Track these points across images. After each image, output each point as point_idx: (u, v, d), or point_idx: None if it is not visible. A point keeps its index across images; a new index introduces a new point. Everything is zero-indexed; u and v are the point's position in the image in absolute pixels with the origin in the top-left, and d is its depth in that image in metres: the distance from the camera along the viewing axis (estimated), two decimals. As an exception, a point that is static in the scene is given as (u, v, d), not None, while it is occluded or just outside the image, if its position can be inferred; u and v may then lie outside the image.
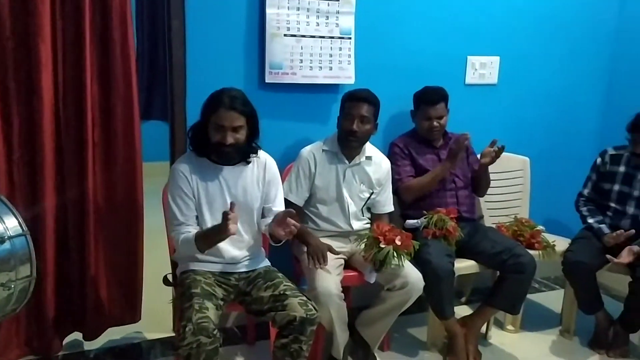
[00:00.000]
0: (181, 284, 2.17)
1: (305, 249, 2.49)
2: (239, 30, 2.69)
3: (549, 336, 2.99)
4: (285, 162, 2.81)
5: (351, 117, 2.53)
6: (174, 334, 2.78)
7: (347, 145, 2.60)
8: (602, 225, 2.80)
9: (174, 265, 2.41)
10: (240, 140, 2.14)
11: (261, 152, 2.33)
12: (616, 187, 2.83)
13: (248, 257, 2.31)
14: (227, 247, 2.23)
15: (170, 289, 2.68)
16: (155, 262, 2.72)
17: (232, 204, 2.01)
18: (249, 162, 2.27)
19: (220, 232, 2.00)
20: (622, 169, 2.82)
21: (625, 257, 2.64)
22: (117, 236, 2.56)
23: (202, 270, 2.20)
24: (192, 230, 2.16)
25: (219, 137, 2.12)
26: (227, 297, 2.21)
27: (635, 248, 2.66)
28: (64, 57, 2.32)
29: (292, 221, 2.07)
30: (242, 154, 2.21)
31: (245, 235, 2.29)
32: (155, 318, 2.90)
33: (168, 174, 2.31)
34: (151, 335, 2.81)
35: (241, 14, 2.68)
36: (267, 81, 2.73)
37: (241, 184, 2.25)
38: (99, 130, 2.45)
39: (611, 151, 2.88)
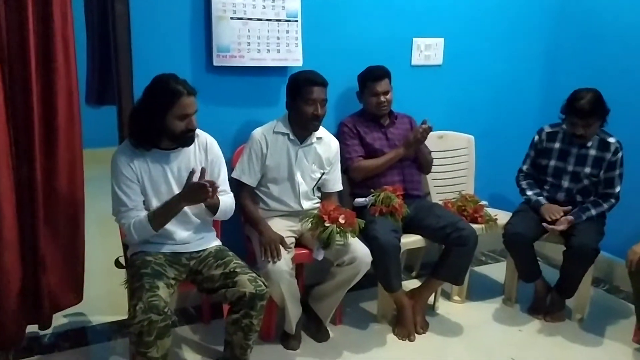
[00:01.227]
0: (132, 265, 2.20)
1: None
2: (185, 13, 2.69)
3: (492, 305, 3.14)
4: (236, 144, 2.86)
5: (313, 102, 2.58)
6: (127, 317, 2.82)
7: (309, 128, 2.65)
8: (540, 198, 2.96)
9: (126, 248, 2.43)
10: (196, 124, 2.21)
11: (202, 133, 2.36)
12: (552, 163, 2.98)
13: (198, 238, 2.35)
14: (176, 229, 2.27)
15: (124, 272, 2.71)
16: (111, 248, 2.74)
17: (198, 170, 2.08)
18: (190, 145, 2.29)
19: (185, 200, 2.10)
20: (557, 145, 2.97)
21: (561, 224, 2.82)
22: (60, 221, 2.54)
23: (152, 251, 2.24)
24: (142, 214, 2.19)
25: (186, 125, 2.15)
26: (179, 277, 2.25)
27: (569, 217, 2.82)
28: (8, 43, 2.27)
29: (204, 182, 2.09)
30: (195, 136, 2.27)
31: (193, 217, 2.33)
32: (111, 301, 2.93)
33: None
34: (107, 318, 2.83)
35: (186, -3, 2.69)
36: (215, 64, 2.75)
37: (184, 167, 2.27)
38: (41, 118, 2.40)
39: (547, 129, 3.03)
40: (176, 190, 2.23)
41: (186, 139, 2.21)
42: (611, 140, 2.87)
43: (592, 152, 2.88)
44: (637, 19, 3.18)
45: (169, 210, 2.16)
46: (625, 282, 3.12)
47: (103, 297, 3.00)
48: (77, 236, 2.61)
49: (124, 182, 2.18)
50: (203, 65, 2.76)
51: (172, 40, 2.69)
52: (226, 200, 2.34)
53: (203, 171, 2.12)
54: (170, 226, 2.23)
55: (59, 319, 2.73)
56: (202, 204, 2.25)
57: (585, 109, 2.74)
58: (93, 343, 2.65)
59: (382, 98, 2.89)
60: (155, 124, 2.14)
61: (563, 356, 2.68)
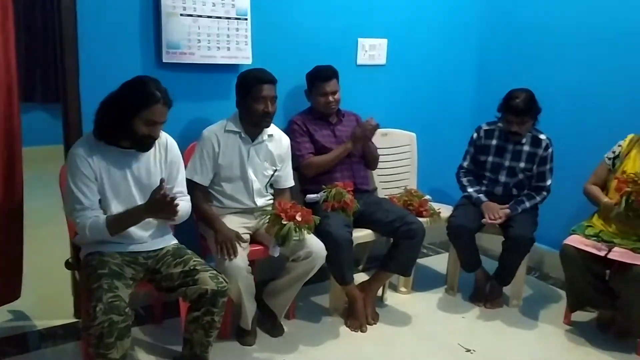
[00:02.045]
0: (87, 265, 2.14)
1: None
2: (134, 9, 2.65)
3: (436, 294, 3.29)
4: (186, 141, 2.82)
5: (264, 100, 2.59)
6: (76, 320, 2.73)
7: (260, 125, 2.67)
8: (480, 195, 3.13)
9: (76, 248, 2.36)
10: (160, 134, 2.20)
11: (162, 133, 2.33)
12: (490, 159, 3.16)
13: (155, 237, 2.32)
14: (133, 228, 2.22)
15: (69, 274, 2.63)
16: (53, 250, 2.65)
17: (162, 180, 2.07)
18: (146, 151, 2.27)
19: (150, 213, 2.08)
20: (494, 142, 3.15)
21: (498, 218, 2.99)
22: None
23: (109, 251, 2.18)
24: (99, 214, 2.14)
25: (149, 131, 2.12)
26: (136, 276, 2.21)
27: (506, 210, 3.01)
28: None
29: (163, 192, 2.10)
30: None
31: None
32: (54, 304, 2.82)
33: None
34: (50, 323, 2.73)
35: (135, -8, 2.64)
36: (164, 61, 2.71)
37: (144, 166, 2.25)
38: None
39: (485, 127, 3.21)
40: (135, 190, 2.20)
41: (144, 144, 2.18)
42: (542, 137, 3.08)
43: (526, 148, 3.08)
44: (562, 21, 3.42)
45: (131, 219, 2.14)
46: (554, 270, 3.38)
47: (47, 300, 2.89)
48: (16, 235, 2.51)
49: (81, 179, 2.12)
50: (152, 62, 2.72)
51: (121, 36, 2.63)
52: (184, 205, 2.32)
53: (162, 182, 2.09)
54: None
55: (3, 324, 2.60)
56: None
57: (520, 108, 2.93)
58: (41, 348, 2.56)
59: (331, 98, 2.95)
60: (121, 121, 2.10)
61: (503, 339, 2.85)
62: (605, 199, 2.75)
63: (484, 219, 3.02)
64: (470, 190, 3.17)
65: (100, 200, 2.18)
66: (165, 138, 2.34)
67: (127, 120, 2.10)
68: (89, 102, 2.46)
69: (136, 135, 2.13)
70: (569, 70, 3.42)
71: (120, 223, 2.11)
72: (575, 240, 2.76)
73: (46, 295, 2.93)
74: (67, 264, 2.40)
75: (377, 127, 2.91)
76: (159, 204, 2.05)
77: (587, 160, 3.03)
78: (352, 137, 2.96)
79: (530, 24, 3.61)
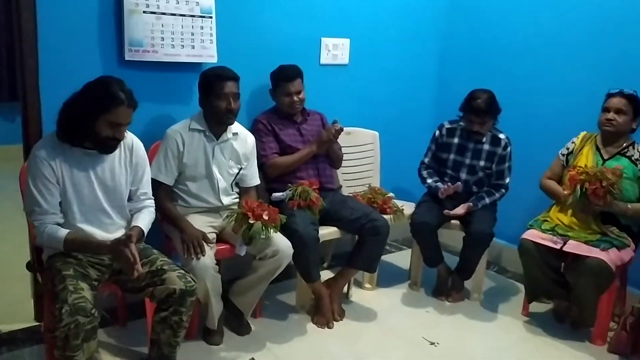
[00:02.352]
0: (51, 267, 2.10)
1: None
2: (95, 6, 2.60)
3: (400, 290, 3.36)
4: (150, 140, 2.78)
5: (226, 97, 2.59)
6: (37, 323, 2.67)
7: (224, 123, 2.66)
8: (438, 183, 3.20)
9: (37, 250, 2.30)
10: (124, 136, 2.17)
11: (128, 133, 2.30)
12: (451, 157, 3.25)
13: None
14: (98, 231, 2.20)
15: (29, 277, 2.57)
16: (8, 252, 2.58)
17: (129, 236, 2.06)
18: (109, 153, 2.24)
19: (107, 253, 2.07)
20: (456, 140, 3.24)
21: (460, 209, 3.09)
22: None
23: (73, 253, 2.14)
24: (58, 219, 2.10)
25: (113, 134, 2.09)
26: (101, 277, 2.18)
27: (468, 204, 3.11)
28: None
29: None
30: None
31: (115, 218, 2.27)
32: (14, 308, 2.75)
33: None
34: (10, 327, 2.65)
35: (96, -12, 2.59)
36: (127, 59, 2.67)
37: (108, 167, 2.21)
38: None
39: (447, 125, 3.29)
40: (99, 192, 2.17)
41: (107, 146, 2.15)
42: (501, 136, 3.19)
43: (486, 147, 3.18)
44: (520, 24, 3.54)
45: (89, 248, 2.11)
46: (512, 264, 3.49)
47: (6, 303, 2.81)
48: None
49: (41, 181, 2.07)
50: (114, 60, 2.68)
51: (82, 34, 2.58)
52: (147, 218, 2.32)
53: (129, 238, 2.06)
54: (92, 228, 2.17)
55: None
56: (122, 204, 2.22)
57: (481, 108, 3.02)
58: (0, 352, 2.48)
59: (295, 98, 2.97)
60: (84, 122, 2.06)
61: (465, 331, 2.94)
62: (562, 191, 2.87)
63: (445, 211, 3.10)
64: (429, 181, 3.25)
65: (60, 203, 2.13)
66: (130, 139, 2.31)
67: (90, 122, 2.06)
68: (49, 102, 2.42)
69: (99, 137, 2.09)
70: (525, 71, 3.54)
71: (78, 247, 2.09)
72: (532, 235, 2.87)
73: (5, 299, 2.84)
74: (29, 266, 2.34)
75: (341, 130, 2.95)
76: (121, 258, 2.03)
77: (543, 157, 3.15)
78: (317, 141, 2.98)
79: (489, 25, 3.72)
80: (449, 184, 3.11)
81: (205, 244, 2.46)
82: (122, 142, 2.24)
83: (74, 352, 1.90)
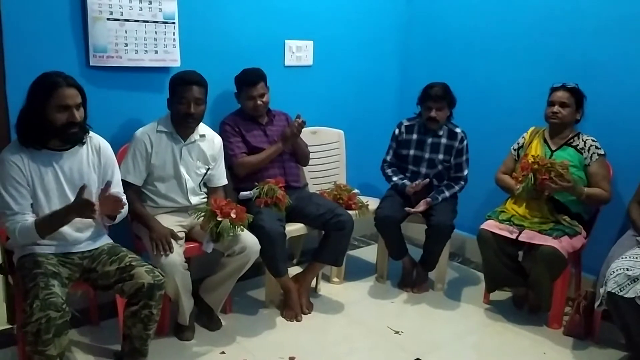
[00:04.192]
0: (21, 268, 2.15)
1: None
2: (60, 13, 2.65)
3: (367, 283, 3.47)
4: (117, 143, 2.84)
5: (186, 101, 2.66)
6: (9, 326, 2.69)
7: (185, 126, 2.73)
8: (405, 181, 3.33)
9: (8, 253, 2.35)
10: (82, 117, 2.19)
11: (94, 135, 2.37)
12: (411, 152, 3.37)
13: (90, 237, 2.35)
14: (68, 230, 2.26)
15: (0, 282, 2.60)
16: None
17: (83, 186, 2.08)
18: (83, 143, 2.30)
19: (74, 213, 2.09)
20: (414, 136, 3.38)
21: (420, 206, 3.22)
22: None
23: (43, 252, 2.20)
24: (30, 218, 2.15)
25: (67, 117, 2.13)
26: (72, 276, 2.24)
27: (427, 199, 3.23)
28: None
29: (114, 197, 2.18)
30: (83, 133, 2.25)
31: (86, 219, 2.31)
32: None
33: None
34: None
35: (60, -4, 2.65)
36: (91, 64, 2.73)
37: (76, 168, 2.27)
38: None
39: (405, 122, 3.43)
40: (69, 193, 2.22)
41: (70, 133, 2.18)
42: (457, 130, 3.33)
43: (443, 140, 3.32)
44: (474, 26, 3.69)
45: (57, 220, 2.15)
46: (475, 255, 3.62)
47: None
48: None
49: (11, 184, 2.12)
50: (79, 66, 2.73)
51: (47, 40, 2.63)
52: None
53: (108, 185, 2.15)
54: (64, 228, 2.22)
55: None
56: (99, 216, 2.27)
57: (439, 94, 3.20)
58: (-28, 356, 2.52)
59: (259, 101, 3.05)
60: (37, 119, 2.11)
61: (429, 320, 3.07)
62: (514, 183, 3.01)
63: (406, 208, 3.22)
64: (395, 179, 3.37)
65: (32, 205, 2.18)
66: (98, 140, 2.37)
67: (42, 115, 2.11)
68: (16, 108, 2.43)
69: (56, 126, 2.13)
70: (479, 71, 3.69)
71: (48, 224, 2.13)
72: (490, 225, 3.00)
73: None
74: (0, 269, 2.38)
75: (303, 124, 3.05)
76: (79, 204, 2.07)
77: (498, 152, 3.30)
78: (282, 137, 3.07)
79: (446, 27, 3.86)
80: (418, 181, 3.22)
81: (174, 241, 2.53)
82: (89, 144, 2.30)
83: (45, 347, 1.95)
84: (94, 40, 2.72)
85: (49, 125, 2.13)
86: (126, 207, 2.39)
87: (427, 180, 3.23)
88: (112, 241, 2.44)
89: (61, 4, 2.64)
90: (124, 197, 2.33)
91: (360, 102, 3.96)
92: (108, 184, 2.17)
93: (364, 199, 3.38)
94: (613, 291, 2.43)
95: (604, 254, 2.72)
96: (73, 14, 2.68)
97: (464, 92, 3.48)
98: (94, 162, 2.33)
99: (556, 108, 2.95)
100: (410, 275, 3.40)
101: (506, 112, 3.56)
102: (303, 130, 3.09)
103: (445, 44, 3.87)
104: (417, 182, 3.23)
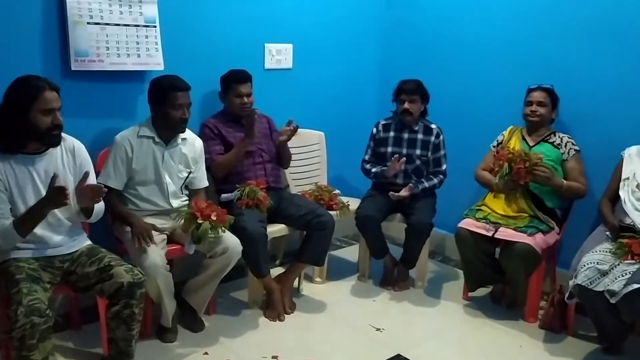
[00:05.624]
0: (3, 273, 2.16)
1: (128, 229, 2.61)
2: (38, 18, 2.66)
3: (349, 282, 3.52)
4: (98, 147, 2.86)
5: (180, 107, 2.69)
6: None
7: (177, 131, 2.76)
8: (383, 168, 3.38)
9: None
10: (62, 120, 2.21)
11: (68, 137, 2.37)
12: (389, 149, 3.44)
13: (70, 240, 2.36)
14: (47, 233, 2.27)
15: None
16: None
17: (54, 175, 2.09)
18: (57, 146, 2.30)
19: (49, 204, 2.09)
20: (391, 134, 3.45)
21: (403, 192, 3.28)
22: None
23: (24, 257, 2.21)
24: (7, 222, 2.15)
25: (51, 120, 2.14)
26: (54, 280, 2.25)
27: (410, 185, 3.30)
28: None
29: (90, 185, 2.19)
30: (61, 137, 2.27)
31: (63, 220, 2.33)
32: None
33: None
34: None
35: (37, 2, 2.65)
36: (73, 69, 2.74)
37: (52, 169, 2.27)
38: None
39: (382, 122, 3.51)
40: (44, 194, 2.22)
41: (53, 136, 2.20)
42: (433, 126, 3.43)
43: (420, 136, 3.40)
44: (454, 28, 3.76)
45: (34, 215, 2.15)
46: (455, 253, 3.67)
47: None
48: None
49: None
50: (61, 70, 2.74)
51: (26, 45, 2.64)
52: (99, 203, 2.37)
53: (86, 174, 2.16)
54: (42, 231, 2.24)
55: None
56: (75, 208, 2.28)
57: (411, 87, 3.31)
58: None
59: (246, 99, 3.10)
60: (19, 123, 2.12)
61: (410, 317, 3.13)
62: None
63: (390, 193, 3.29)
64: (373, 170, 3.44)
65: (11, 209, 2.19)
66: (72, 142, 2.38)
67: (25, 119, 2.12)
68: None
69: (40, 130, 2.15)
70: (459, 72, 3.76)
71: (26, 222, 2.13)
72: (467, 223, 3.08)
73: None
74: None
75: (296, 129, 3.11)
76: (52, 193, 2.08)
77: (477, 151, 3.38)
78: (246, 131, 3.02)
79: (425, 29, 3.93)
80: (396, 156, 3.28)
81: (155, 237, 2.55)
82: (63, 146, 2.32)
83: (30, 352, 1.97)
84: (74, 45, 2.73)
85: (31, 128, 2.15)
86: (102, 205, 2.41)
87: (404, 159, 3.29)
88: (91, 243, 2.45)
89: (40, 9, 2.65)
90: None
91: (340, 103, 4.01)
92: (86, 175, 2.18)
93: (344, 199, 3.43)
94: (583, 284, 2.51)
95: (578, 249, 2.82)
96: (52, 18, 2.69)
97: (443, 93, 3.57)
98: (69, 163, 2.34)
99: (534, 107, 3.06)
100: (392, 274, 3.46)
101: (484, 112, 3.64)
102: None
103: (424, 47, 3.94)
104: (394, 157, 3.27)
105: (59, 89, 2.21)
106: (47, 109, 2.14)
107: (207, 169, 3.03)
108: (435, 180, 3.40)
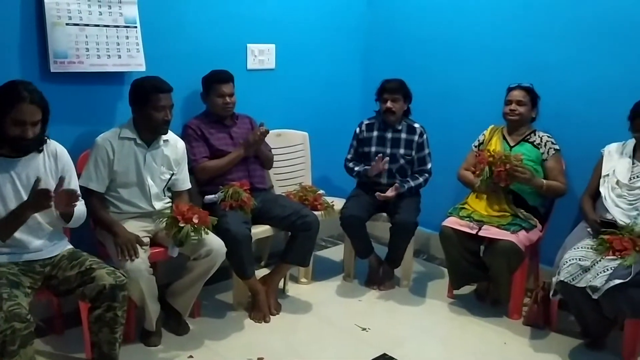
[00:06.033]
0: (-17, 278, 2.12)
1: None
2: (16, 20, 2.62)
3: (335, 282, 3.52)
4: (79, 149, 2.82)
5: (163, 109, 2.67)
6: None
7: (159, 132, 2.74)
8: (366, 167, 3.39)
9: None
10: (37, 133, 2.18)
11: (51, 141, 2.35)
12: (373, 149, 3.45)
13: (50, 245, 2.33)
14: (28, 237, 2.24)
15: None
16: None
17: (38, 179, 2.07)
18: (40, 151, 2.28)
19: (31, 207, 2.08)
20: (375, 133, 3.46)
21: (389, 192, 3.28)
22: None
23: (4, 261, 2.18)
24: None
25: (19, 132, 2.12)
26: (34, 285, 2.22)
27: (396, 185, 3.30)
28: None
29: (65, 189, 2.17)
30: (37, 145, 2.24)
31: (44, 224, 2.31)
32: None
33: None
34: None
35: (15, 3, 2.61)
36: (52, 71, 2.70)
37: (33, 175, 2.24)
38: None
39: (366, 121, 3.52)
40: (25, 198, 2.19)
41: (19, 147, 2.18)
42: (416, 125, 3.44)
43: (403, 135, 3.41)
44: (436, 28, 3.78)
45: (15, 219, 2.13)
46: (440, 251, 3.69)
47: None
48: None
49: None
50: (39, 72, 2.70)
51: (4, 47, 2.59)
52: (79, 207, 2.35)
53: (62, 180, 2.14)
54: (22, 235, 2.21)
55: None
56: (55, 213, 2.25)
57: (395, 86, 3.33)
58: None
59: (228, 99, 3.09)
60: None
61: (395, 316, 3.14)
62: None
63: (377, 193, 3.29)
64: (357, 168, 3.45)
65: None
66: (54, 146, 2.35)
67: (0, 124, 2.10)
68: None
69: (7, 137, 2.13)
70: (441, 71, 3.78)
71: (6, 225, 2.11)
72: (451, 222, 3.09)
73: None
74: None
75: (266, 132, 3.09)
76: (34, 196, 2.07)
77: (459, 150, 3.40)
78: (244, 144, 3.10)
79: (408, 29, 3.94)
80: (379, 155, 3.29)
81: (139, 246, 2.53)
82: (46, 150, 2.29)
83: (11, 358, 1.93)
84: (53, 46, 2.68)
85: (2, 133, 2.13)
86: (83, 210, 2.39)
87: (387, 158, 3.30)
88: (72, 247, 2.42)
89: (17, 10, 2.61)
90: (79, 201, 2.32)
91: (323, 104, 4.01)
92: (62, 179, 2.16)
93: (329, 199, 3.43)
94: (566, 280, 2.54)
95: (560, 246, 2.84)
96: (30, 20, 2.65)
97: (425, 93, 3.58)
98: (51, 168, 2.32)
99: (513, 106, 3.08)
100: (377, 273, 3.46)
101: (466, 111, 3.67)
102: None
103: (406, 46, 3.96)
104: (377, 156, 3.28)
105: (45, 104, 2.18)
106: (19, 120, 2.11)
107: (191, 170, 3.01)
108: (421, 179, 3.41)
